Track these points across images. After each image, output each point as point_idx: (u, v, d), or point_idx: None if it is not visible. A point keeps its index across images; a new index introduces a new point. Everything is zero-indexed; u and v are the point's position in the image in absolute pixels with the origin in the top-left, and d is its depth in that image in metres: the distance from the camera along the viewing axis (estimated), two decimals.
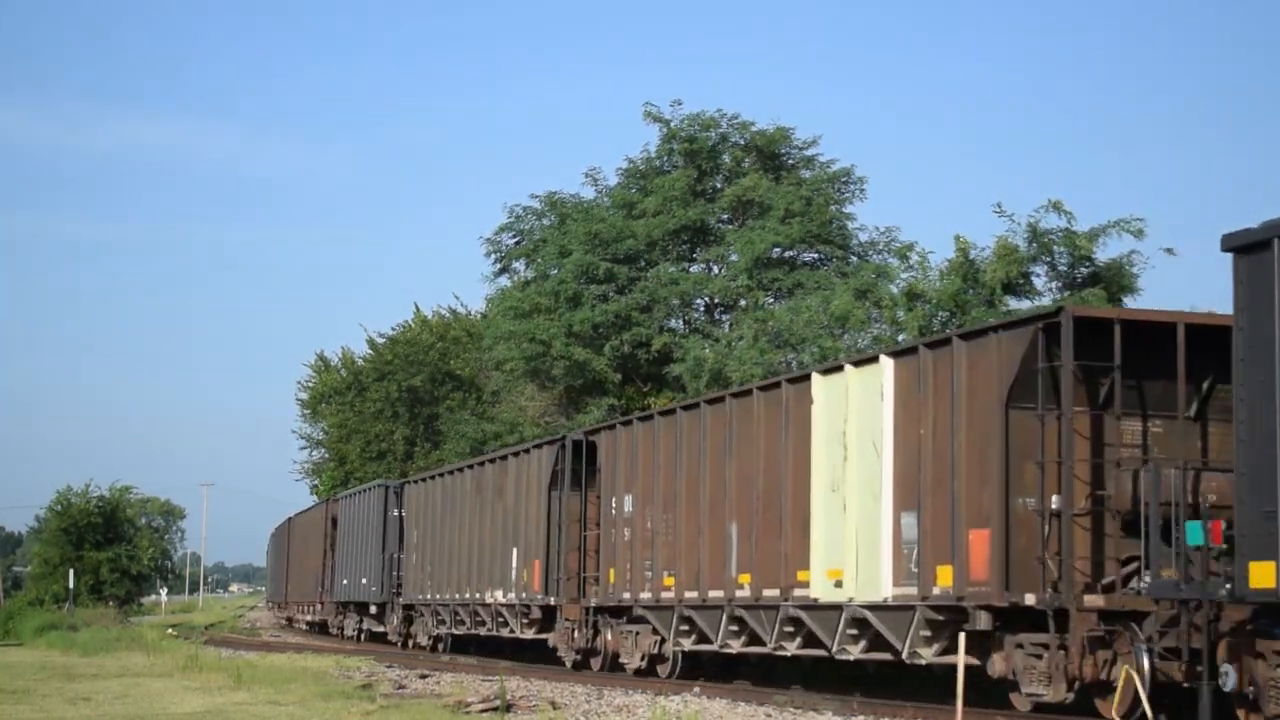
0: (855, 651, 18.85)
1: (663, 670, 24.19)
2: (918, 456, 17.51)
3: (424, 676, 25.68)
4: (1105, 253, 29.75)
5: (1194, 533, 13.93)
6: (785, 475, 20.02)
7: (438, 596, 34.64)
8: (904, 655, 17.63)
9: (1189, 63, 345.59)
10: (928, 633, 17.38)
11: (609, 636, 25.67)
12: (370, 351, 67.86)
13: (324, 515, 48.84)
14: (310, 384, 73.83)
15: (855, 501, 18.55)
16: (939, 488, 17.14)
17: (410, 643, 37.51)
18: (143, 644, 37.23)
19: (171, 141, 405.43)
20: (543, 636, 28.44)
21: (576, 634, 26.62)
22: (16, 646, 43.01)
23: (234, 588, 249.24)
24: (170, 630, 49.50)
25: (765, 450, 20.61)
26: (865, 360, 19.12)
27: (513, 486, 29.75)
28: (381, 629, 40.63)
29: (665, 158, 44.39)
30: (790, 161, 44.59)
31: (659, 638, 23.96)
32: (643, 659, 24.39)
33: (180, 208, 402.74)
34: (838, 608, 18.78)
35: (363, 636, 42.92)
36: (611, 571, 25.22)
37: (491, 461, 31.89)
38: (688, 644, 23.07)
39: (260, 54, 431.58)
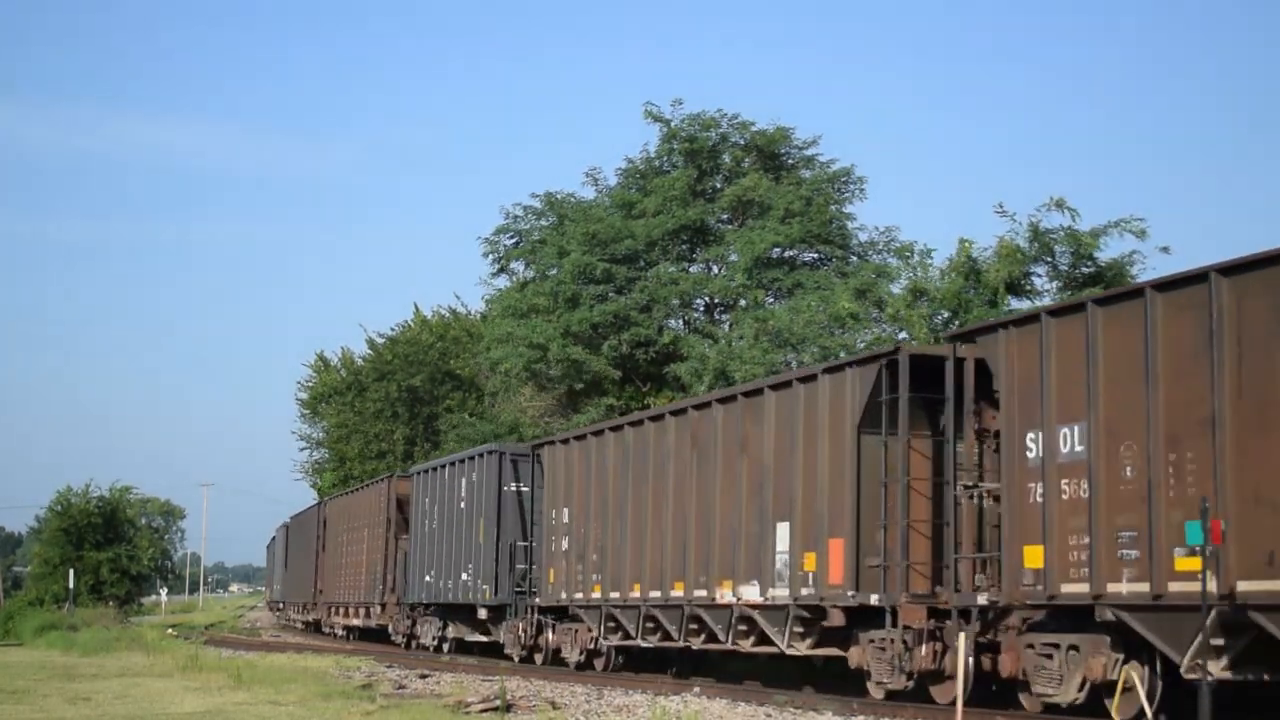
0: None
1: (1127, 710, 15.19)
2: None
3: (424, 676, 25.20)
4: (1106, 253, 28.87)
5: (1193, 532, 12.74)
6: None
7: (614, 596, 25.36)
8: None
9: (1188, 62, 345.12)
10: None
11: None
12: (370, 351, 67.34)
13: (384, 496, 40.93)
14: (310, 384, 73.32)
15: None
16: None
17: (540, 658, 29.00)
18: (143, 644, 37.07)
19: (172, 141, 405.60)
20: (826, 652, 20.11)
21: (921, 649, 17.75)
22: (16, 646, 42.90)
23: (234, 588, 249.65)
24: (170, 630, 49.28)
25: None
26: None
27: (772, 433, 20.86)
28: (481, 637, 32.90)
29: (665, 157, 43.77)
30: (790, 161, 43.90)
31: (1117, 657, 15.25)
32: (1083, 687, 15.65)
33: (180, 207, 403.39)
34: None
35: (447, 647, 34.62)
36: (1033, 552, 16.16)
37: (723, 401, 22.48)
38: (1218, 668, 13.84)
39: (261, 53, 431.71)
